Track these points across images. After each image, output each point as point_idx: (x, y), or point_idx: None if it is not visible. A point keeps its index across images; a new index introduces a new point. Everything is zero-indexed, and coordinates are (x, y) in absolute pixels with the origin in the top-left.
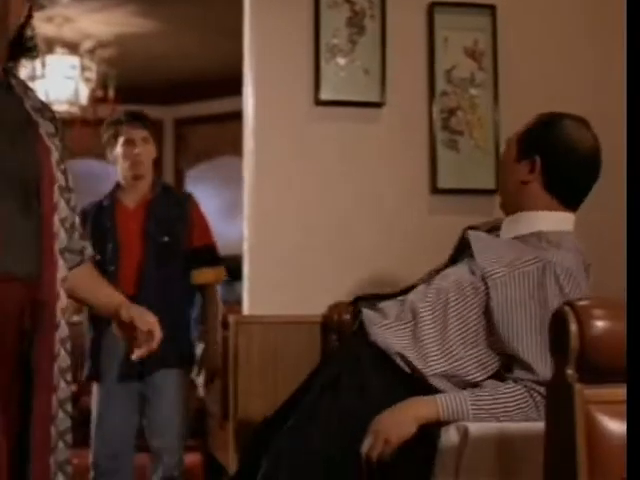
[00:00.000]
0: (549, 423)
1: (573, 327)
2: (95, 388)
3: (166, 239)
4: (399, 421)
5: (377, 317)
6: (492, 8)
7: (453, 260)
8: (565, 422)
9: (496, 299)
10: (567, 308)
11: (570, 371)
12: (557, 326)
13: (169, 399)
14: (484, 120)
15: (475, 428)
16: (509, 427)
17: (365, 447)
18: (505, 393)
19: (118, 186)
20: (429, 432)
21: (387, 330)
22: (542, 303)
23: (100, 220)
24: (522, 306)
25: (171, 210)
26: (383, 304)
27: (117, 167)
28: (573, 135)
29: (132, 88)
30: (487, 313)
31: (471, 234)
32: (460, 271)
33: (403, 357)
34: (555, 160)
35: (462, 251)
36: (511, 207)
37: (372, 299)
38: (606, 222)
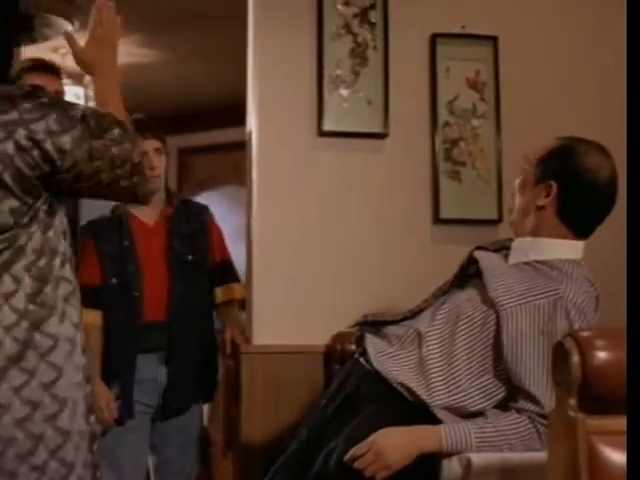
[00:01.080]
0: (551, 453)
1: (575, 358)
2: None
3: (190, 257)
4: (402, 449)
5: (381, 344)
6: (494, 39)
7: (459, 279)
8: (567, 453)
9: (506, 331)
10: (569, 339)
11: (572, 401)
12: (559, 357)
13: (192, 435)
14: (486, 151)
15: (478, 459)
16: (511, 458)
17: (361, 464)
18: (509, 424)
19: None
20: (430, 462)
21: (390, 358)
22: (551, 338)
23: (114, 238)
24: (532, 340)
25: (192, 225)
26: (388, 329)
27: None
28: (593, 164)
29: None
30: (496, 344)
31: (481, 257)
32: (470, 298)
33: (406, 387)
34: (572, 188)
35: (466, 272)
36: (523, 229)
37: (377, 324)
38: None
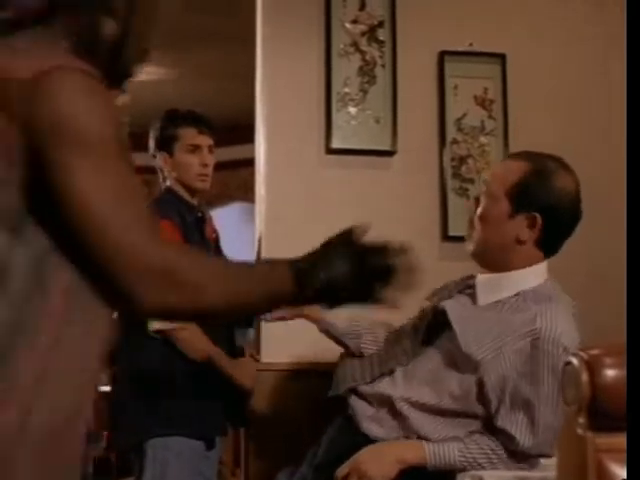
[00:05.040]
0: (561, 472)
1: (584, 376)
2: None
3: None
4: (384, 463)
5: (365, 407)
6: (502, 56)
7: (426, 334)
8: (576, 471)
9: (490, 383)
10: (578, 357)
11: (581, 420)
12: (568, 375)
13: (217, 455)
14: None
15: (489, 476)
16: (526, 476)
17: None
18: (489, 444)
19: (176, 195)
20: (444, 477)
21: (374, 422)
22: (534, 380)
23: (196, 233)
24: (513, 383)
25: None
26: (371, 388)
27: (169, 173)
28: (566, 185)
29: (144, 135)
30: (481, 393)
31: (450, 308)
32: (447, 355)
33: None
34: (554, 216)
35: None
36: (494, 264)
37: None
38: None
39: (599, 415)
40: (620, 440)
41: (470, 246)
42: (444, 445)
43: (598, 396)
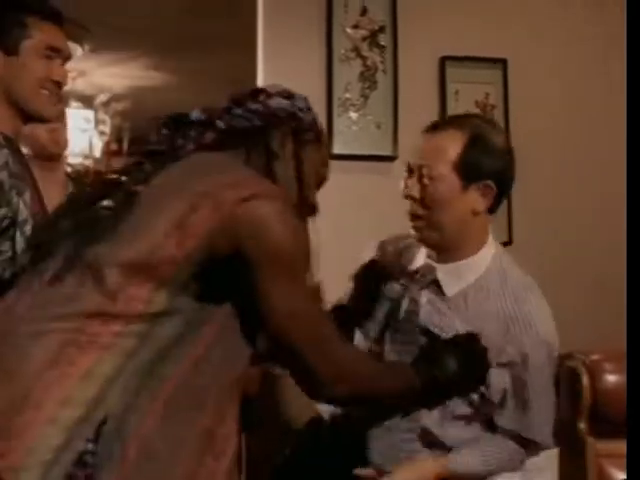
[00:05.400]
0: (562, 476)
1: (585, 381)
2: None
3: None
4: (422, 476)
5: None
6: (503, 62)
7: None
8: (577, 475)
9: (492, 384)
10: (579, 363)
11: (582, 425)
12: (569, 380)
13: None
14: None
15: None
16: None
17: None
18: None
19: None
20: None
21: None
22: (525, 372)
23: None
24: (511, 380)
25: None
26: None
27: None
28: (505, 145)
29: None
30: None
31: (431, 325)
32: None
33: None
34: (504, 179)
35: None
36: (455, 245)
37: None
38: None
39: (600, 421)
40: (621, 446)
41: (431, 236)
42: (465, 453)
43: (599, 402)
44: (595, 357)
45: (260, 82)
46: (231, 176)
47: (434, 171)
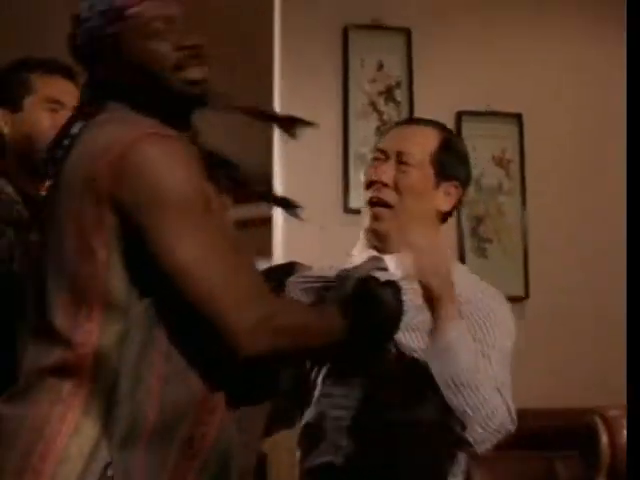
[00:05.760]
0: None
1: (604, 438)
2: None
3: None
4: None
5: None
6: (518, 116)
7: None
8: None
9: None
10: (597, 419)
11: None
12: (588, 436)
13: None
14: (512, 227)
15: None
16: None
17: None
18: None
19: None
20: None
21: None
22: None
23: None
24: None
25: None
26: None
27: None
28: (467, 152)
29: None
30: None
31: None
32: None
33: None
34: (466, 187)
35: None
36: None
37: None
38: None
39: (619, 477)
40: None
41: (390, 224)
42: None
43: (618, 457)
44: (613, 413)
45: (276, 138)
46: (102, 140)
47: (414, 158)
